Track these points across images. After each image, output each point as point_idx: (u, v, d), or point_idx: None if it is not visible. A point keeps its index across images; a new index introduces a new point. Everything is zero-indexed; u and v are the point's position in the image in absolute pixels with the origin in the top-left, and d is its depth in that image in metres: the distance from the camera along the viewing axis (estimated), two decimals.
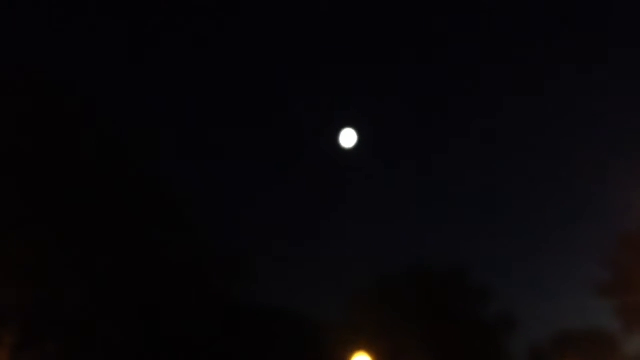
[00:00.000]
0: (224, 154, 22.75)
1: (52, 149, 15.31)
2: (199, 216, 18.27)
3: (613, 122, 22.13)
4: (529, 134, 24.29)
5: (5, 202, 14.69)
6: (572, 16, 24.37)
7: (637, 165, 19.78)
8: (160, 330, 17.31)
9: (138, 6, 20.81)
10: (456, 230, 25.96)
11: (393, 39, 23.84)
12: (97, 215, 16.02)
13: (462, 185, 25.76)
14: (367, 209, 23.39)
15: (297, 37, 23.85)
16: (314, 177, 24.78)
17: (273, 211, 23.12)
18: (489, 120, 25.00)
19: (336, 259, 23.81)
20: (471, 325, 24.39)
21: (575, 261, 23.80)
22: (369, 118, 22.65)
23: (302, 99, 23.65)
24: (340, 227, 24.05)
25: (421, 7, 24.17)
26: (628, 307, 21.44)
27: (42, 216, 15.24)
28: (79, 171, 15.75)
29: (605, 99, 22.74)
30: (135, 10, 20.70)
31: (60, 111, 15.49)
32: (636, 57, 23.19)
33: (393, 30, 23.66)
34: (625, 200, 19.15)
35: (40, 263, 15.32)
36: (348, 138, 19.50)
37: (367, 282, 23.53)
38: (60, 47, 17.85)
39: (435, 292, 23.97)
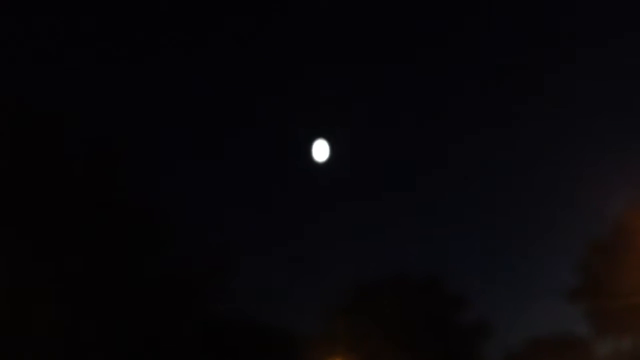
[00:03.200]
0: (197, 168, 22.64)
1: (32, 160, 15.10)
2: (175, 231, 18.12)
3: (585, 132, 22.65)
4: (502, 146, 24.70)
5: None
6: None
7: (608, 173, 20.25)
8: (137, 341, 17.10)
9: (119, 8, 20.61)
10: (431, 240, 26.23)
11: (374, 48, 24.05)
12: (74, 226, 15.82)
13: (437, 197, 26.05)
14: (342, 221, 23.48)
15: (273, 48, 23.91)
16: (288, 190, 24.81)
17: (248, 226, 23.07)
18: (463, 133, 25.36)
19: (312, 271, 23.85)
20: (448, 332, 24.61)
21: (547, 267, 24.21)
22: (342, 130, 22.73)
23: (275, 114, 23.71)
24: (317, 239, 24.09)
25: (403, 15, 24.43)
26: (598, 311, 21.84)
27: (17, 226, 15.01)
28: (55, 182, 15.55)
29: (578, 110, 23.30)
30: (114, 14, 20.49)
31: (42, 121, 15.30)
32: (603, 64, 23.83)
33: (375, 41, 23.88)
34: (595, 207, 19.57)
35: (15, 275, 15.08)
36: (321, 151, 19.43)
37: (344, 292, 23.61)
38: (35, 63, 17.64)
39: (412, 301, 24.12)
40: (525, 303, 25.07)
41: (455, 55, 25.60)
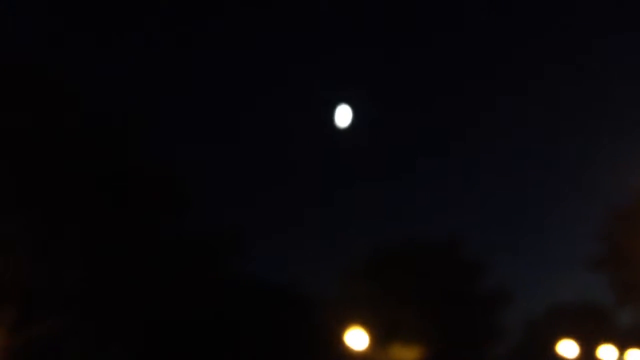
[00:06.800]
0: (219, 134, 22.81)
1: (50, 131, 15.29)
2: (196, 196, 18.34)
3: (609, 104, 22.16)
4: (526, 113, 24.35)
5: (4, 180, 14.75)
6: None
7: (630, 144, 19.83)
8: (160, 303, 17.51)
9: None
10: (453, 205, 26.16)
11: (398, 23, 23.73)
12: (97, 193, 16.08)
13: (458, 161, 25.87)
14: (362, 184, 23.53)
15: (296, 19, 23.75)
16: (309, 152, 24.89)
17: (268, 189, 23.27)
18: (486, 101, 25.03)
19: (332, 234, 24.04)
20: (467, 298, 24.68)
21: (569, 236, 24.00)
22: (366, 96, 22.63)
23: (300, 79, 23.64)
24: (337, 202, 24.21)
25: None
26: (620, 280, 21.67)
27: (41, 195, 15.32)
28: (79, 151, 15.76)
29: (602, 84, 22.78)
30: None
31: (59, 95, 15.42)
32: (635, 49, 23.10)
33: (395, 14, 23.55)
34: (618, 176, 19.23)
35: (39, 240, 15.45)
36: (343, 116, 19.37)
37: (362, 257, 23.77)
38: (55, 34, 17.80)
39: (431, 266, 24.18)
40: (547, 271, 24.99)
41: (484, 22, 25.13)
